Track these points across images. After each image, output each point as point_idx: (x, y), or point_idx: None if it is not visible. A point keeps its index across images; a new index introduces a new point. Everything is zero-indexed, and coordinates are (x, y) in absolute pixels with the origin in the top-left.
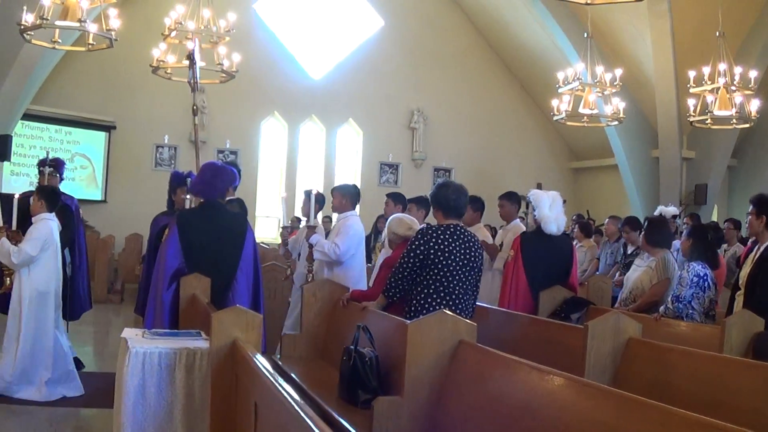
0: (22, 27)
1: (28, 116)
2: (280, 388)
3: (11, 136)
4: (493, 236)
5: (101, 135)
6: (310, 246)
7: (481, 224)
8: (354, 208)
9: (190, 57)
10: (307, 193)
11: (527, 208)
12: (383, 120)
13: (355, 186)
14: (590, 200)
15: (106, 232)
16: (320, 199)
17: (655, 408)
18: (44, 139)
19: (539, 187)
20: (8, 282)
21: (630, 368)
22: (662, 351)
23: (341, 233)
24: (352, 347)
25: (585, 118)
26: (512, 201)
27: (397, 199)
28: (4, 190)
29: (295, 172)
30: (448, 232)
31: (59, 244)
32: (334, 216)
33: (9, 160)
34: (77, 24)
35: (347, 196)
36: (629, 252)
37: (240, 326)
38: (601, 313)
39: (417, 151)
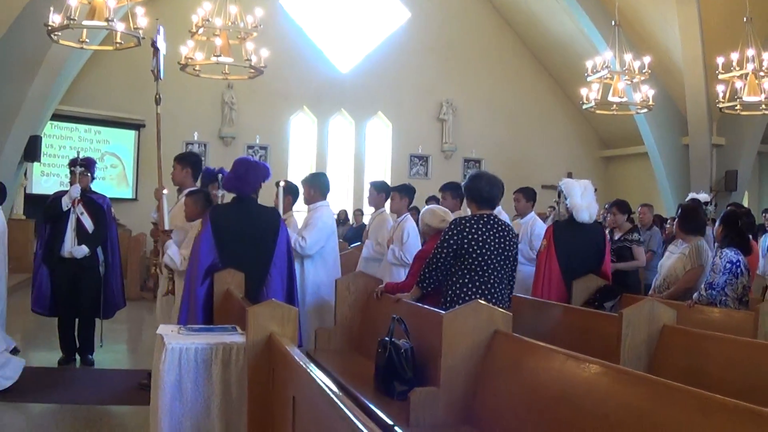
0: (50, 28)
1: (57, 117)
2: (319, 381)
3: (41, 137)
4: None
5: (131, 133)
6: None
7: (461, 212)
8: (324, 199)
9: (153, 45)
10: (277, 184)
11: (558, 197)
12: (412, 112)
13: (324, 175)
14: (621, 189)
15: (138, 230)
16: (293, 190)
17: (692, 394)
18: (74, 139)
19: (570, 176)
20: None
21: (665, 355)
22: (697, 338)
23: (309, 225)
24: (387, 339)
25: (614, 106)
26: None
27: (381, 188)
28: (35, 191)
29: (325, 166)
30: (482, 222)
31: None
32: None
33: (39, 160)
34: (104, 23)
35: (316, 186)
36: (616, 238)
37: (276, 320)
38: (635, 301)
39: (447, 142)
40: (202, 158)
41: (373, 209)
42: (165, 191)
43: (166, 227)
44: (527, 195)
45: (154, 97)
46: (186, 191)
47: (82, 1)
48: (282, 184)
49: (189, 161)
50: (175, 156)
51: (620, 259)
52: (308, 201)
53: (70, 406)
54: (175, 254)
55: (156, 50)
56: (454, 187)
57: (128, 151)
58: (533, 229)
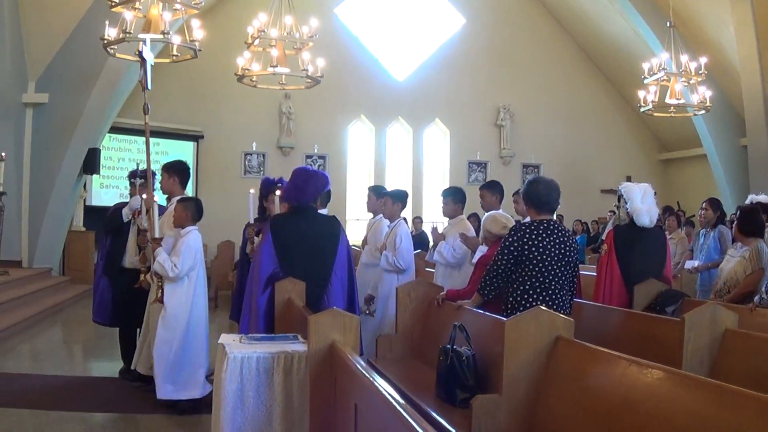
0: (106, 41)
1: (115, 129)
2: (382, 389)
3: (99, 149)
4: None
5: (189, 145)
6: None
7: (463, 216)
8: (324, 207)
9: (139, 55)
10: (274, 193)
11: (618, 201)
12: (469, 118)
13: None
14: (680, 191)
15: None
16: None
17: (755, 398)
18: (132, 151)
19: (629, 179)
20: None
21: (727, 360)
22: (759, 341)
23: None
24: (448, 346)
25: (672, 108)
26: (493, 191)
27: (380, 193)
28: (94, 203)
29: (383, 174)
30: (542, 228)
31: None
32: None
33: (98, 173)
34: (160, 36)
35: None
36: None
37: (337, 328)
38: (696, 306)
39: (505, 148)
40: (261, 169)
41: (371, 215)
42: (155, 199)
43: (156, 235)
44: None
45: (142, 107)
46: (176, 198)
47: (137, 14)
48: (278, 193)
49: (176, 170)
50: (163, 165)
51: None
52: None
53: (130, 415)
54: (165, 261)
55: (143, 61)
56: (454, 192)
57: (187, 162)
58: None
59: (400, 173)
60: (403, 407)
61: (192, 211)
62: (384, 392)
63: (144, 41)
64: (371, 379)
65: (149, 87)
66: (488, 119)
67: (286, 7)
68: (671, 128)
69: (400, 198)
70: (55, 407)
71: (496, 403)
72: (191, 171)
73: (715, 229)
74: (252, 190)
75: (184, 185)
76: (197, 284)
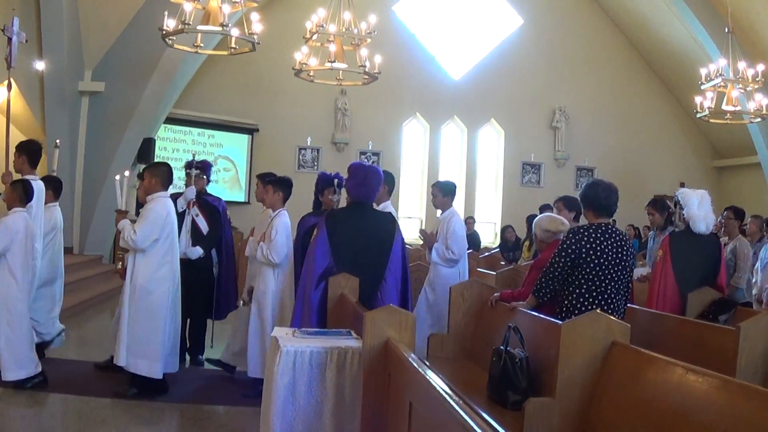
0: (164, 32)
1: (171, 120)
2: (439, 388)
3: (155, 140)
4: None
5: (244, 138)
6: (118, 232)
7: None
8: (165, 189)
9: (3, 32)
10: (120, 178)
11: (675, 207)
12: (525, 119)
13: (166, 164)
14: (733, 199)
15: None
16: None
17: None
18: (187, 142)
19: (682, 185)
20: None
21: None
22: None
23: (141, 218)
24: (502, 348)
25: (728, 115)
26: (444, 191)
27: (263, 179)
28: None
29: (436, 172)
30: (600, 231)
31: None
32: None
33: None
34: (219, 28)
35: (157, 176)
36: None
37: (393, 325)
38: (749, 315)
39: (559, 150)
40: (315, 164)
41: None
42: None
43: None
44: (444, 190)
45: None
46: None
47: (196, 6)
48: (126, 175)
49: (25, 149)
50: (16, 144)
51: None
52: (148, 191)
53: (178, 404)
54: None
55: (9, 40)
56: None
57: (241, 155)
58: (450, 225)
59: (453, 172)
60: (461, 406)
61: (19, 194)
62: (441, 391)
63: (13, 21)
64: (427, 377)
65: (14, 65)
66: (543, 121)
67: (345, 3)
68: (726, 135)
69: (281, 186)
70: (98, 394)
71: (549, 407)
72: (245, 163)
73: (663, 232)
74: (118, 177)
75: (33, 165)
76: (11, 265)
